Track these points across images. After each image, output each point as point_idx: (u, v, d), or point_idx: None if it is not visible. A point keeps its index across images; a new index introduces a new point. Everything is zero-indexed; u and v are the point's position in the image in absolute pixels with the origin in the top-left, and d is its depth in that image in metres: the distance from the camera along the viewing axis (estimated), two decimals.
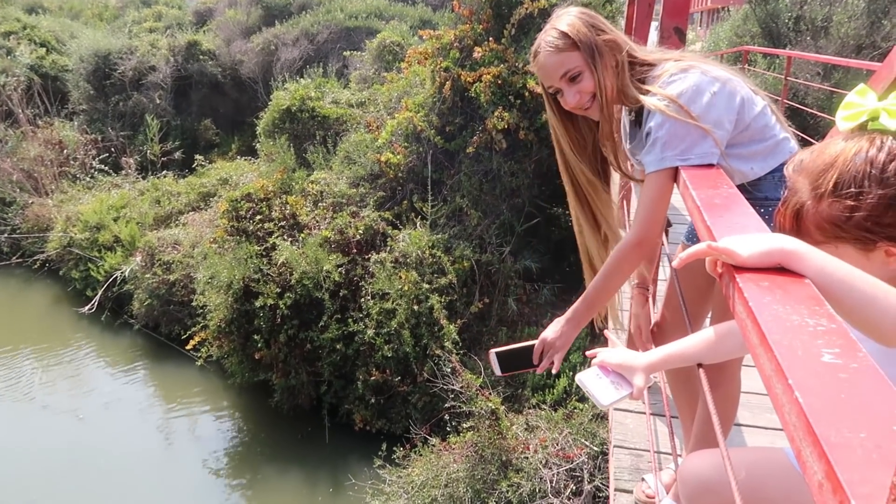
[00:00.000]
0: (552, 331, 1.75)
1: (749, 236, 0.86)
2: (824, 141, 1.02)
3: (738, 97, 1.61)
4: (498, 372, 1.78)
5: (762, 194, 1.69)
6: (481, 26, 6.96)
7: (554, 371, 1.76)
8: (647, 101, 1.59)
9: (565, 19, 1.68)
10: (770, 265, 0.81)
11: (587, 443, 4.79)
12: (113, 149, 12.52)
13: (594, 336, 6.14)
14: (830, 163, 0.94)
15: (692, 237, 2.03)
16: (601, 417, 5.09)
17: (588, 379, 1.32)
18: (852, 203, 0.91)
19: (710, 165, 1.48)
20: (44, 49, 15.20)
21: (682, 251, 2.08)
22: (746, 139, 1.65)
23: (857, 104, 1.00)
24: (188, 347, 7.23)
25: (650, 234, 1.63)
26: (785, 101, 6.74)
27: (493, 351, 1.77)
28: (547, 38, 1.69)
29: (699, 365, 1.22)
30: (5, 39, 15.12)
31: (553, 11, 1.78)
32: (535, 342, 1.76)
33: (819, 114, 6.77)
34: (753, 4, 9.52)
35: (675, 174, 1.53)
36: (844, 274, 0.78)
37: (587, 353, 1.44)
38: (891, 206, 0.89)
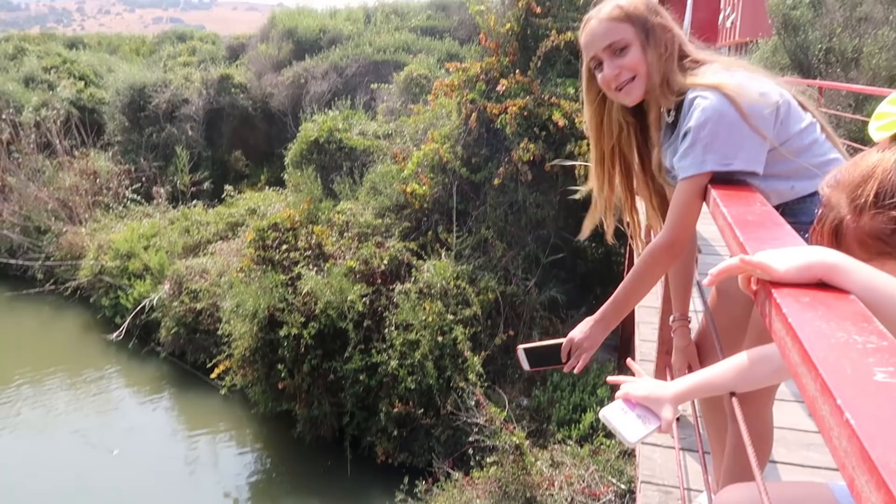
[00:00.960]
0: (580, 331, 1.71)
1: (786, 250, 0.80)
2: (859, 154, 0.95)
3: (781, 107, 1.51)
4: (526, 367, 1.77)
5: (807, 217, 1.60)
6: (507, 59, 7.01)
7: (577, 371, 1.72)
8: (690, 92, 1.52)
9: None
10: (810, 280, 0.75)
11: (614, 480, 4.65)
12: (145, 179, 12.77)
13: (622, 371, 6.01)
14: (869, 174, 0.88)
15: None
16: (629, 454, 4.94)
17: (613, 414, 1.25)
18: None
19: (743, 184, 1.41)
20: (82, 82, 15.69)
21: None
22: (787, 155, 1.55)
23: (890, 114, 0.93)
24: (213, 376, 7.24)
25: (681, 236, 1.56)
26: None
27: (521, 347, 1.76)
28: (603, 7, 1.63)
29: (732, 394, 1.15)
30: (46, 73, 15.65)
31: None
32: (563, 340, 1.73)
33: (853, 144, 6.65)
34: (783, 37, 9.46)
35: (710, 180, 1.45)
36: (893, 289, 0.72)
37: (608, 379, 1.37)
38: None
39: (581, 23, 1.71)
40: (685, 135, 1.51)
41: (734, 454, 1.84)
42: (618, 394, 1.26)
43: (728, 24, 35.23)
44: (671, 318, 2.03)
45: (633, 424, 1.21)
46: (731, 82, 1.47)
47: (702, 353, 1.98)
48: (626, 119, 1.75)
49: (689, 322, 2.00)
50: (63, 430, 7.48)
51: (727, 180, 1.42)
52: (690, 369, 1.96)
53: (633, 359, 3.63)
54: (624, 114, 1.74)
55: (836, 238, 0.90)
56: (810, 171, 1.56)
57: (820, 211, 0.95)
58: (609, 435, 5.24)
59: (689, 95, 1.52)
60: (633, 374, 1.36)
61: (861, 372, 0.53)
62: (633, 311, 3.34)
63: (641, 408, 1.23)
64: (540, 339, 6.33)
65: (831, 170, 1.57)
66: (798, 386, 0.60)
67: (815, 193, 1.56)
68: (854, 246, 0.88)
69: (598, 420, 5.52)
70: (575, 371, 1.72)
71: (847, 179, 0.91)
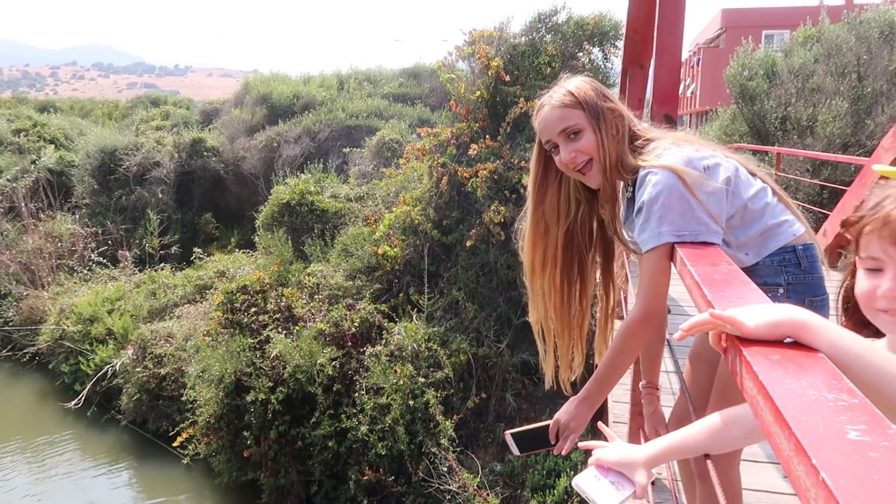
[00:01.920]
0: (566, 412, 1.70)
1: (755, 307, 0.81)
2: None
3: (728, 177, 1.58)
4: (516, 452, 1.76)
5: (760, 280, 1.63)
6: (477, 124, 7.16)
7: (565, 452, 1.71)
8: (641, 169, 1.58)
9: (574, 82, 1.70)
10: (778, 337, 0.75)
11: None
12: (111, 241, 12.59)
13: (595, 433, 5.95)
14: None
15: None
16: None
17: (585, 482, 1.22)
18: None
19: (708, 244, 1.44)
20: (52, 146, 15.60)
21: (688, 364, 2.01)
22: (741, 223, 1.61)
23: None
24: (175, 444, 6.98)
25: (654, 308, 1.58)
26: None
27: (508, 433, 1.75)
28: (553, 94, 1.71)
29: (706, 455, 1.13)
30: (16, 136, 15.56)
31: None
32: (550, 423, 1.72)
33: (812, 207, 6.86)
34: (741, 105, 9.85)
35: (671, 251, 1.49)
36: (861, 349, 0.73)
37: (580, 445, 1.34)
38: None
39: (547, 89, 1.77)
40: (639, 210, 1.57)
41: None
42: (590, 460, 1.23)
43: (689, 93, 36.71)
44: (640, 384, 2.03)
45: (607, 492, 1.17)
46: (678, 161, 1.53)
47: (682, 423, 1.97)
48: (582, 195, 1.80)
49: (658, 389, 2.00)
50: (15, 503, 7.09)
51: (693, 242, 1.45)
52: (658, 435, 1.95)
53: (607, 420, 3.60)
54: (580, 190, 1.79)
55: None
56: (760, 239, 1.62)
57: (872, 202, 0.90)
58: (583, 502, 5.13)
59: (641, 173, 1.59)
60: (605, 439, 1.33)
61: (834, 430, 0.53)
62: None
63: (615, 473, 1.20)
64: (514, 403, 6.22)
65: (784, 231, 1.62)
66: (772, 445, 0.59)
67: (770, 256, 1.61)
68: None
69: (572, 486, 5.41)
70: (563, 453, 1.70)
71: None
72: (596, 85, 1.70)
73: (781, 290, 1.62)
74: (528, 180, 1.85)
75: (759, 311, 0.78)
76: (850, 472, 0.47)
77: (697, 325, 0.85)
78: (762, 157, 9.32)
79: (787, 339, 0.75)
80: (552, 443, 1.71)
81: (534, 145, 1.81)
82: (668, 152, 1.58)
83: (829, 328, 0.75)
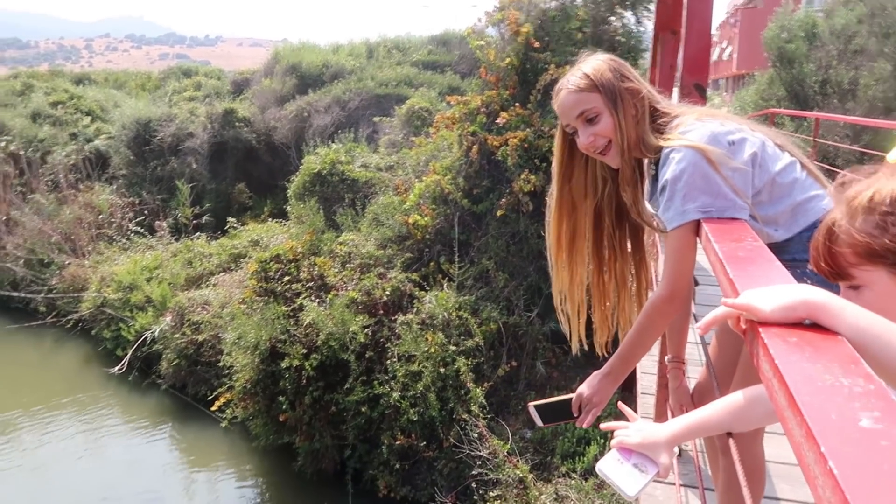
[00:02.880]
0: (589, 386, 1.72)
1: (771, 289, 0.80)
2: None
3: (754, 152, 1.55)
4: (539, 423, 1.77)
5: (789, 256, 1.61)
6: (507, 92, 7.08)
7: (586, 425, 1.73)
8: (664, 148, 1.56)
9: (591, 62, 1.68)
10: (796, 320, 0.75)
11: None
12: (147, 211, 12.84)
13: (625, 402, 5.96)
14: (870, 184, 0.90)
15: None
16: None
17: (609, 467, 1.21)
18: (888, 209, 0.85)
19: (734, 220, 1.42)
20: (88, 118, 15.87)
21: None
22: (769, 198, 1.58)
23: None
24: (213, 409, 7.19)
25: (680, 286, 1.58)
26: (815, 162, 6.66)
27: (532, 404, 1.77)
28: (570, 77, 1.69)
29: (729, 434, 1.13)
30: (53, 109, 15.85)
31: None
32: (573, 396, 1.73)
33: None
34: (778, 69, 9.56)
35: (697, 227, 1.48)
36: (881, 329, 0.72)
37: (602, 426, 1.35)
38: None
39: (578, 57, 1.75)
40: (663, 189, 1.56)
41: (727, 491, 1.82)
42: (612, 443, 1.23)
43: (725, 56, 35.66)
44: (666, 358, 2.03)
45: (631, 475, 1.18)
46: (703, 137, 1.51)
47: (705, 397, 1.97)
48: (608, 173, 1.79)
49: (684, 363, 2.00)
50: (61, 463, 7.41)
51: (719, 218, 1.43)
52: (683, 410, 1.95)
53: (635, 391, 3.60)
54: (606, 169, 1.78)
55: (829, 237, 0.91)
56: (790, 214, 1.59)
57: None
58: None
59: (665, 151, 1.57)
60: (627, 419, 1.34)
61: (846, 417, 0.53)
62: None
63: (637, 455, 1.19)
64: (545, 371, 6.26)
65: (814, 208, 1.59)
66: (784, 430, 0.60)
67: (799, 233, 1.58)
68: (844, 245, 0.89)
69: (602, 452, 5.46)
70: (584, 426, 1.73)
71: (850, 192, 0.92)
72: (615, 64, 1.66)
73: (810, 267, 1.60)
74: (554, 160, 1.84)
75: (775, 294, 0.78)
76: (858, 461, 0.47)
77: (716, 319, 0.85)
78: (800, 123, 9.06)
79: (807, 322, 0.75)
80: (575, 416, 1.73)
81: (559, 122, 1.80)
82: (692, 128, 1.55)
83: (848, 309, 0.74)
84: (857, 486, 0.45)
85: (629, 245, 1.92)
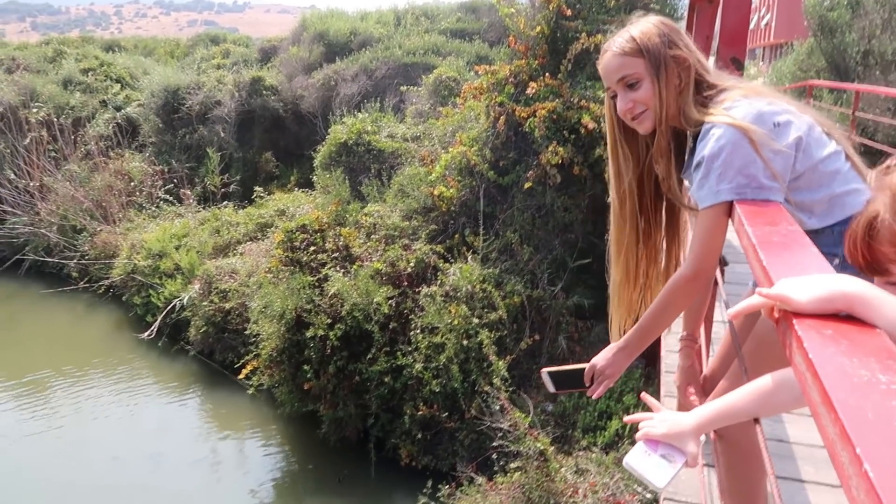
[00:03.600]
0: (603, 358, 1.72)
1: (808, 278, 0.77)
2: None
3: (799, 135, 1.49)
4: (552, 389, 1.81)
5: (826, 249, 1.56)
6: (537, 62, 6.96)
7: (596, 396, 1.76)
8: (706, 122, 1.51)
9: (641, 25, 1.63)
10: (833, 311, 0.72)
11: (640, 490, 4.58)
12: (176, 180, 12.97)
13: (649, 379, 5.94)
14: None
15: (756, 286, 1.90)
16: None
17: (636, 461, 1.20)
18: None
19: (769, 202, 1.38)
20: (118, 85, 16.01)
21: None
22: (808, 185, 1.53)
23: None
24: (241, 376, 7.32)
25: (705, 267, 1.54)
26: (853, 137, 6.47)
27: (545, 370, 1.80)
28: (617, 38, 1.65)
29: (756, 420, 1.11)
30: (84, 76, 15.99)
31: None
32: (587, 365, 1.75)
33: (891, 150, 6.47)
34: (819, 38, 9.25)
35: (730, 208, 1.44)
36: None
37: (626, 419, 1.34)
38: None
39: (611, 26, 1.71)
40: (699, 165, 1.51)
41: (728, 474, 1.81)
42: (637, 435, 1.21)
43: (763, 24, 34.64)
44: (680, 336, 2.00)
45: (660, 467, 1.16)
46: (747, 115, 1.46)
47: (720, 377, 1.95)
48: (651, 141, 1.74)
49: (697, 343, 1.97)
50: (93, 426, 7.63)
51: (754, 200, 1.39)
52: (688, 390, 1.93)
53: (658, 370, 3.58)
54: (650, 136, 1.73)
55: (870, 232, 0.88)
56: (827, 204, 1.54)
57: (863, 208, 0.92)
58: (635, 443, 5.18)
59: (705, 126, 1.52)
60: (650, 409, 1.32)
61: (883, 417, 0.51)
62: None
63: (664, 446, 1.18)
64: (566, 346, 6.24)
65: (852, 203, 1.53)
66: (818, 426, 0.58)
67: (831, 226, 1.53)
68: (886, 244, 0.85)
69: (623, 427, 5.46)
70: (595, 397, 1.75)
71: (893, 180, 0.88)
72: (665, 28, 1.60)
73: (837, 261, 1.55)
74: (605, 124, 1.81)
75: (811, 285, 0.75)
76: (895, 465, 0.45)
77: (748, 308, 0.82)
78: (839, 96, 8.79)
79: (843, 314, 0.72)
80: (587, 385, 1.74)
81: (597, 84, 1.77)
82: (738, 104, 1.50)
83: (887, 301, 0.71)
84: (893, 490, 0.43)
85: (664, 219, 1.88)
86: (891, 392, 0.54)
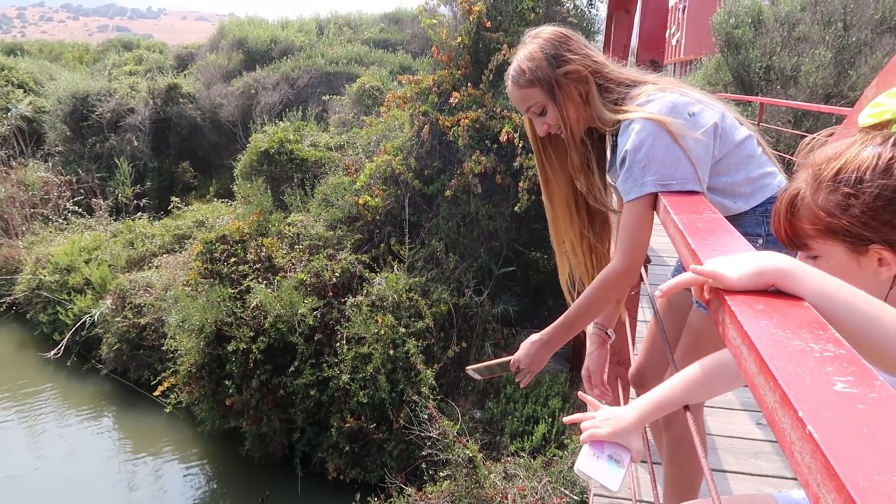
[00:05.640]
0: (525, 355, 1.73)
1: (736, 256, 0.78)
2: (838, 134, 0.95)
3: (715, 122, 1.54)
4: (478, 377, 1.83)
5: (741, 229, 1.62)
6: (460, 72, 7.02)
7: (522, 385, 1.80)
8: (622, 120, 1.54)
9: (528, 50, 1.64)
10: (762, 287, 0.73)
11: (567, 492, 4.64)
12: (84, 190, 12.34)
13: (573, 383, 6.04)
14: (838, 153, 0.88)
15: (678, 273, 1.94)
16: None
17: (587, 465, 1.17)
18: (850, 191, 0.84)
19: (693, 192, 1.42)
20: (21, 90, 15.12)
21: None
22: (727, 169, 1.58)
23: (883, 104, 0.94)
24: (157, 393, 6.99)
25: (636, 260, 1.56)
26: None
27: (470, 368, 1.83)
28: (511, 70, 1.67)
29: (686, 407, 1.13)
30: None
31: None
32: (510, 359, 1.75)
33: (792, 158, 6.86)
34: (725, 54, 9.76)
35: (654, 201, 1.46)
36: (846, 294, 0.71)
37: (564, 420, 1.32)
38: (891, 203, 0.82)
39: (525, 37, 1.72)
40: (623, 160, 1.54)
41: (671, 464, 1.85)
42: (582, 438, 1.19)
43: (674, 42, 36.31)
44: (592, 324, 2.01)
45: (610, 469, 1.14)
46: (663, 108, 1.49)
47: (650, 369, 1.99)
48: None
49: (608, 334, 1.97)
50: None
51: (679, 191, 1.42)
52: (590, 376, 1.94)
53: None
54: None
55: (791, 208, 0.90)
56: (749, 187, 1.60)
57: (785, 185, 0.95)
58: (562, 446, 5.25)
59: (623, 123, 1.56)
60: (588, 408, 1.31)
61: (821, 382, 0.51)
62: None
63: (610, 445, 1.17)
64: (492, 353, 6.29)
65: (769, 184, 1.61)
66: (755, 396, 0.58)
67: (756, 207, 1.59)
68: (805, 220, 0.88)
69: (550, 431, 5.52)
70: (521, 386, 1.77)
71: (818, 157, 0.91)
72: (550, 47, 1.61)
73: (760, 241, 1.61)
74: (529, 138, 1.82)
75: (741, 262, 0.76)
76: (837, 424, 0.45)
77: (680, 284, 0.83)
78: (745, 108, 9.29)
79: (771, 289, 0.73)
80: (511, 371, 1.77)
81: None
82: (652, 98, 1.53)
83: (813, 275, 0.73)
84: (838, 449, 0.42)
85: (597, 219, 1.89)
86: (824, 359, 0.55)
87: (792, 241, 0.92)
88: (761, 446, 2.56)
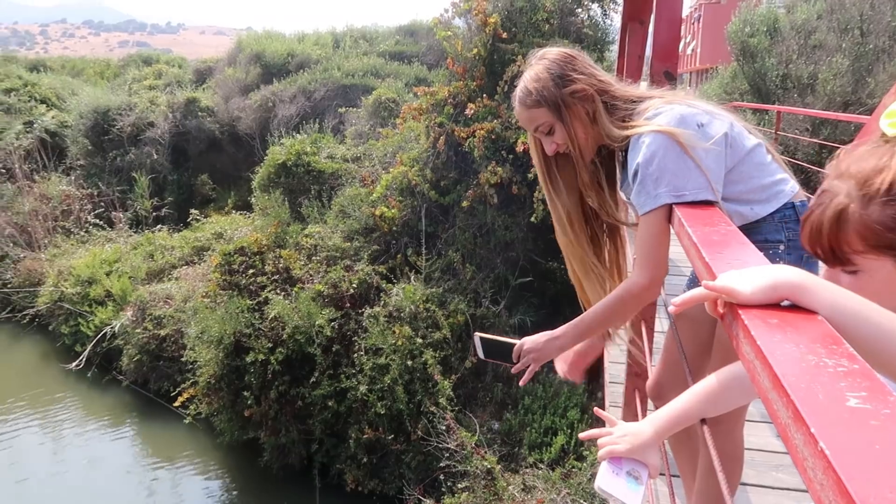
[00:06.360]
0: (533, 342, 1.69)
1: (749, 270, 0.78)
2: (862, 146, 0.93)
3: (725, 132, 1.54)
4: (480, 355, 1.79)
5: (761, 236, 1.62)
6: (475, 83, 7.05)
7: (521, 384, 1.77)
8: (631, 136, 1.55)
9: (534, 71, 1.65)
10: (776, 300, 0.74)
11: (585, 503, 4.61)
12: (105, 203, 12.51)
13: (592, 394, 6.01)
14: (883, 165, 0.86)
15: (693, 284, 1.94)
16: None
17: (607, 483, 1.17)
18: None
19: (707, 203, 1.42)
20: (43, 105, 15.40)
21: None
22: (740, 177, 1.58)
23: None
24: (177, 404, 7.05)
25: (659, 273, 1.56)
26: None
27: (478, 334, 1.78)
28: (518, 91, 1.68)
29: (702, 420, 1.12)
30: (6, 96, 15.33)
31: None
32: (518, 342, 1.72)
33: (810, 167, 6.81)
34: (741, 63, 9.71)
35: (669, 213, 1.47)
36: (860, 307, 0.71)
37: (581, 436, 1.32)
38: None
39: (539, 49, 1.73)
40: (635, 174, 1.54)
41: (707, 476, 1.82)
42: (600, 454, 1.19)
43: (689, 51, 36.18)
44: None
45: (631, 487, 1.14)
46: (671, 120, 1.50)
47: (668, 381, 1.97)
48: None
49: (602, 340, 1.96)
50: (19, 464, 7.19)
51: (693, 202, 1.42)
52: (566, 365, 1.93)
53: (603, 380, 3.63)
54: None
55: (838, 223, 0.87)
56: (765, 193, 1.60)
57: (816, 199, 0.93)
58: (581, 458, 5.21)
59: (633, 139, 1.56)
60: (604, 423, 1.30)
61: (833, 397, 0.51)
62: None
63: (628, 462, 1.16)
64: (513, 375, 6.33)
65: (783, 190, 1.60)
66: (769, 412, 0.58)
67: (772, 213, 1.59)
68: (854, 235, 0.86)
69: (569, 443, 5.49)
70: (520, 384, 1.76)
71: (857, 169, 0.88)
72: (556, 67, 1.62)
73: (782, 247, 1.61)
74: (533, 158, 1.82)
75: (754, 276, 0.76)
76: (849, 441, 0.45)
77: (693, 299, 0.83)
78: (762, 116, 9.22)
79: (785, 302, 0.74)
80: (514, 362, 1.72)
81: None
82: (660, 112, 1.54)
83: (826, 288, 0.73)
84: (849, 466, 0.43)
85: (608, 233, 1.90)
86: (838, 374, 0.55)
87: (834, 256, 0.90)
88: (781, 459, 2.53)
